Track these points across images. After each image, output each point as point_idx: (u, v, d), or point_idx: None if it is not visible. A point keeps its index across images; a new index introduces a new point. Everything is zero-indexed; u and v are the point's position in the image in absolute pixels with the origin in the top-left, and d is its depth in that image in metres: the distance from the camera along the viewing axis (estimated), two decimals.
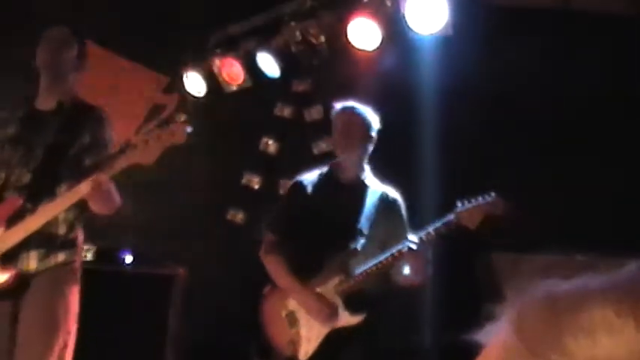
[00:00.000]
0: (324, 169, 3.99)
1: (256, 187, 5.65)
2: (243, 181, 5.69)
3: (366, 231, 3.79)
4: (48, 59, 3.55)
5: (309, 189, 3.92)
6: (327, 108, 4.25)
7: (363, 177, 3.91)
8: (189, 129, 3.21)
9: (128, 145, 3.18)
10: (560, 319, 0.72)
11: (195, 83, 5.67)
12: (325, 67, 5.37)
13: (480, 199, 3.54)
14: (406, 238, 3.61)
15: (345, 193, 3.88)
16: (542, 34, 4.76)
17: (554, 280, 0.77)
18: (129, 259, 5.41)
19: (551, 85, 4.71)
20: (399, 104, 4.82)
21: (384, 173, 3.97)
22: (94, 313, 4.48)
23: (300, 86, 5.59)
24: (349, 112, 3.87)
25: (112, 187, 3.32)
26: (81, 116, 3.55)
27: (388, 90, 5.00)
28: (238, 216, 5.64)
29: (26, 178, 3.40)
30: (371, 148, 3.89)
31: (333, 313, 3.66)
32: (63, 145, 3.45)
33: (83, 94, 3.73)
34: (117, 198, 3.39)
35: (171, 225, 5.59)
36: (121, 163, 3.20)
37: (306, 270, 3.73)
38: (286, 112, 5.60)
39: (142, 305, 5.05)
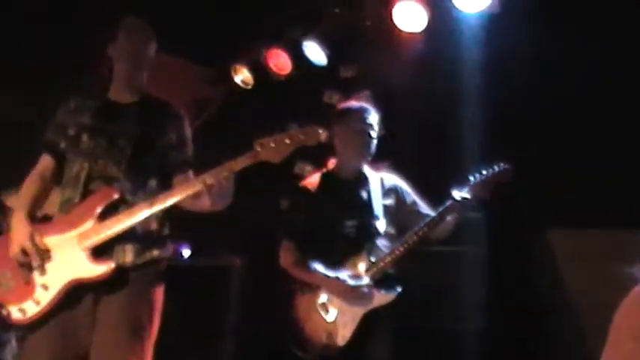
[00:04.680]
0: (325, 170, 4.00)
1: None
2: (296, 170, 5.70)
3: (380, 220, 3.80)
4: (134, 49, 3.38)
5: (317, 193, 3.92)
6: (376, 93, 4.22)
7: (363, 169, 3.93)
8: (322, 132, 3.23)
9: (257, 144, 3.13)
10: None
11: (243, 75, 5.72)
12: (372, 52, 5.33)
13: (491, 170, 3.66)
14: (424, 210, 3.81)
15: (351, 188, 3.89)
16: (590, 9, 4.63)
17: None
18: (186, 253, 5.48)
19: (599, 62, 4.56)
20: (446, 85, 4.76)
21: (432, 155, 3.93)
22: None
23: (347, 72, 5.57)
24: (364, 122, 3.83)
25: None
26: (161, 112, 3.44)
27: (436, 71, 4.93)
28: None
29: (112, 170, 3.25)
30: None
31: (368, 292, 3.65)
32: (150, 139, 3.34)
33: None
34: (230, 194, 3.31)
35: (227, 216, 5.62)
36: (247, 161, 3.17)
37: (330, 267, 3.73)
38: (335, 99, 5.58)
39: (200, 297, 5.10)
